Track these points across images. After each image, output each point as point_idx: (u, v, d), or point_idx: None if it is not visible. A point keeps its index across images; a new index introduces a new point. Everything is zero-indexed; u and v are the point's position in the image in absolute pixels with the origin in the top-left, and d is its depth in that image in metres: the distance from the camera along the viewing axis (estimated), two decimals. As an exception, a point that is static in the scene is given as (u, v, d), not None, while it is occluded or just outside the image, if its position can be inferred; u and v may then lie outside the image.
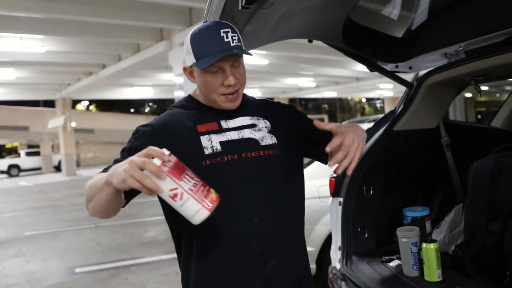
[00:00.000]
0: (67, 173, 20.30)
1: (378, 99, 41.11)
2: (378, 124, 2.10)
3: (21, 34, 10.07)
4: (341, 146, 1.06)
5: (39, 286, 4.33)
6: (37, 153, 25.86)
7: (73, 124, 21.11)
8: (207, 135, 1.18)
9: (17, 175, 24.13)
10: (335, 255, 2.02)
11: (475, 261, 1.64)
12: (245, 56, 1.18)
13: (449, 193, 2.21)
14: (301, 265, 1.26)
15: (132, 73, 14.58)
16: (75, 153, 22.22)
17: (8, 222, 8.52)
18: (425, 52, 1.87)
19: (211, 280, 1.16)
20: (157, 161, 0.90)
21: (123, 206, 1.14)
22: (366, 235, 2.01)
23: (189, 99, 1.29)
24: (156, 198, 1.04)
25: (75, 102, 32.55)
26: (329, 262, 2.09)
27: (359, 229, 2.00)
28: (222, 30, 1.13)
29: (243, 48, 1.16)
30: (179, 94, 9.75)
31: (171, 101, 23.43)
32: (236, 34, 1.14)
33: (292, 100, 28.55)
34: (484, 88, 2.07)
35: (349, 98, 40.27)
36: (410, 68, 2.03)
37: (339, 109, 43.35)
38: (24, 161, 25.19)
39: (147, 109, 43.70)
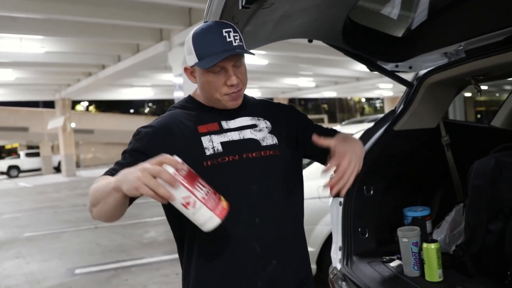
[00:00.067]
0: (67, 174, 20.30)
1: (378, 99, 41.14)
2: (378, 124, 2.10)
3: (21, 35, 10.08)
4: (337, 168, 1.07)
5: (39, 287, 4.33)
6: (37, 154, 25.85)
7: (73, 125, 21.10)
8: (208, 136, 1.18)
9: (16, 176, 24.11)
10: (336, 255, 2.01)
11: (476, 261, 1.64)
12: (245, 56, 1.18)
13: (449, 193, 2.20)
14: (302, 265, 1.26)
15: (131, 74, 14.57)
16: (74, 154, 22.22)
17: (7, 223, 8.52)
18: (425, 51, 1.87)
19: (212, 280, 1.16)
20: (170, 169, 0.89)
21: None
22: (366, 235, 2.01)
23: (189, 99, 1.28)
24: (156, 199, 1.04)
25: (75, 103, 32.60)
26: (330, 262, 2.08)
27: (359, 229, 2.00)
28: (224, 30, 1.13)
29: (245, 47, 1.16)
30: (178, 95, 9.75)
31: (170, 101, 23.42)
32: (237, 34, 1.15)
33: (291, 100, 28.54)
34: (484, 87, 2.07)
35: (349, 98, 40.29)
36: (410, 67, 2.03)
37: (339, 109, 43.39)
38: (23, 162, 25.17)
39: (146, 110, 43.74)
